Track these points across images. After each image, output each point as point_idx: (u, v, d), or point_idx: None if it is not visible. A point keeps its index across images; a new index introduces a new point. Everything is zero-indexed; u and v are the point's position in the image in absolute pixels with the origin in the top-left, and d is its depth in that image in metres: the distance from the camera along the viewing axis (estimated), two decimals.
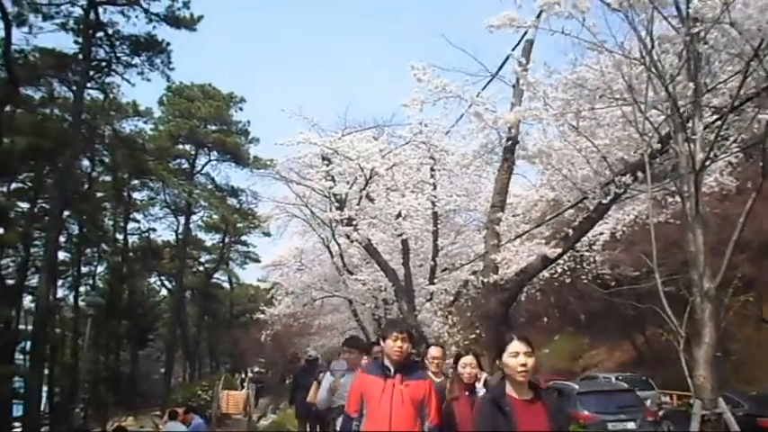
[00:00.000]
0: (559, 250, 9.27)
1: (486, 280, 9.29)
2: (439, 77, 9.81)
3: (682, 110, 5.55)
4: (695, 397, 4.88)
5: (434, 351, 5.46)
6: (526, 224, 11.98)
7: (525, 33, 9.54)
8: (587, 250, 14.63)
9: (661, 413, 13.71)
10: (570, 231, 9.23)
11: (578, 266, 15.66)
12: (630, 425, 11.34)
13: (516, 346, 3.20)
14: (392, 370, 4.18)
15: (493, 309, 9.23)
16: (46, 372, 28.34)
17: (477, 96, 9.69)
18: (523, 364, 3.14)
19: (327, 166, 13.80)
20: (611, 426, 11.19)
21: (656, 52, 5.73)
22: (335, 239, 16.61)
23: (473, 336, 16.76)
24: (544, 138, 9.93)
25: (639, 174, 7.62)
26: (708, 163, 5.33)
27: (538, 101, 8.55)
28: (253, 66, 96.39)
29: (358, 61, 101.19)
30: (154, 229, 42.87)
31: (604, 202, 8.37)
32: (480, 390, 4.74)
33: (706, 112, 6.03)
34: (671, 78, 5.80)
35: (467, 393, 4.51)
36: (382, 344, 4.36)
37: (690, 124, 5.40)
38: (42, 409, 27.96)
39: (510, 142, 9.84)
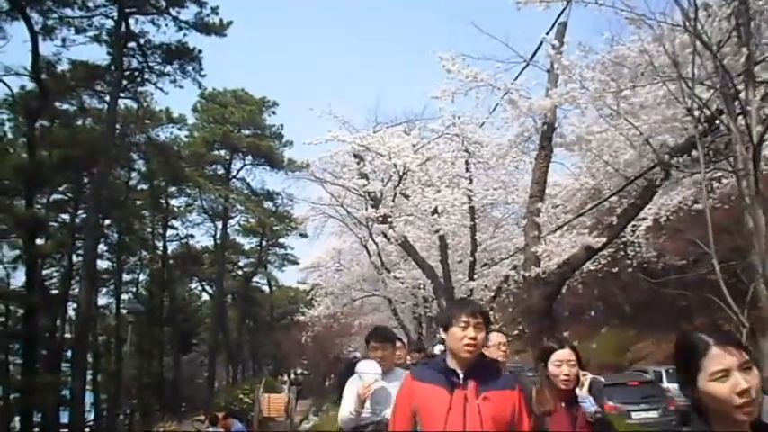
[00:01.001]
0: (604, 240, 8.91)
1: (527, 274, 8.98)
2: (469, 67, 9.62)
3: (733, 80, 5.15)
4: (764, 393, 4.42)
5: (497, 337, 4.23)
6: (567, 214, 11.50)
7: (559, 16, 9.24)
8: (631, 236, 14.06)
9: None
10: (614, 219, 8.84)
11: (622, 256, 15.13)
12: (653, 413, 11.91)
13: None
14: (461, 375, 2.66)
15: (536, 303, 8.92)
16: (90, 378, 28.80)
17: (511, 84, 9.41)
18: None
19: (359, 163, 13.65)
20: (635, 415, 11.67)
21: (700, 19, 5.30)
22: (372, 238, 16.38)
23: (516, 332, 16.47)
24: (582, 123, 9.65)
25: (685, 156, 7.24)
26: (767, 136, 4.88)
27: (574, 84, 8.23)
28: (283, 69, 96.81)
29: (387, 56, 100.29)
30: (192, 236, 43.34)
31: (651, 187, 7.98)
32: (584, 399, 3.10)
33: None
34: (718, 46, 5.39)
35: (563, 405, 3.10)
36: (442, 334, 2.87)
37: (742, 96, 4.97)
38: (88, 416, 28.48)
39: (547, 129, 9.50)
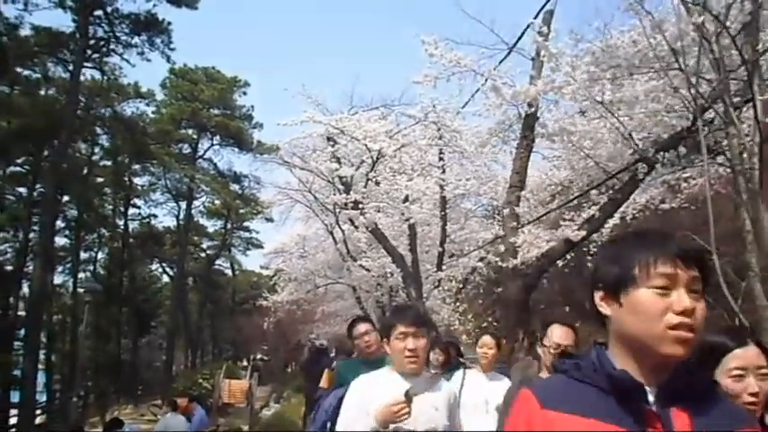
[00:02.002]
0: (583, 233, 8.78)
1: (504, 264, 8.82)
2: (453, 51, 9.38)
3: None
4: None
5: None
6: (544, 206, 11.35)
7: (546, 2, 9.05)
8: (596, 235, 13.96)
9: None
10: (596, 213, 8.71)
11: (584, 252, 15.11)
12: None
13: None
14: (651, 394, 1.26)
15: (513, 294, 8.78)
16: (43, 359, 27.91)
17: (494, 70, 9.21)
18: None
19: (333, 146, 13.28)
20: None
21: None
22: (339, 225, 15.98)
23: (485, 324, 16.32)
24: (565, 114, 9.51)
25: (671, 152, 7.08)
26: None
27: (560, 73, 8.00)
28: (255, 49, 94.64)
29: (365, 38, 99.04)
30: (155, 215, 42.23)
31: (633, 181, 7.84)
32: None
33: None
34: (718, 36, 5.14)
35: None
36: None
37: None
38: (40, 396, 27.64)
39: (529, 118, 9.34)
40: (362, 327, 4.20)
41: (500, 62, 9.78)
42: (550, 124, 9.39)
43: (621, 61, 6.60)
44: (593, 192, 9.48)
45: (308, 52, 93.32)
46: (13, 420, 22.71)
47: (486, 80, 9.49)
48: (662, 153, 7.14)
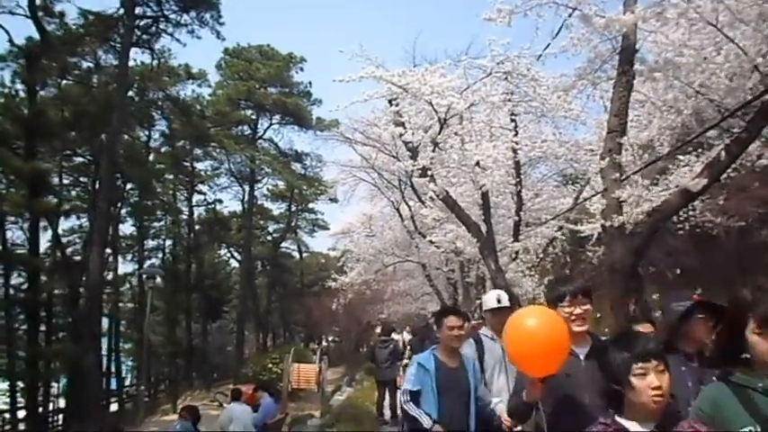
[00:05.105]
0: (705, 181, 7.08)
1: (608, 223, 7.29)
2: None
3: None
4: None
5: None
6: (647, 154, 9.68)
7: None
8: None
9: None
10: (723, 155, 7.00)
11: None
12: None
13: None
14: None
15: (619, 259, 7.20)
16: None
17: None
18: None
19: (397, 105, 11.89)
20: None
21: None
22: (405, 201, 16.19)
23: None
24: (670, 44, 7.80)
25: None
26: None
27: None
28: (310, 24, 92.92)
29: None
30: (220, 200, 41.95)
31: (764, 113, 6.26)
32: None
33: None
34: None
35: None
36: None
37: None
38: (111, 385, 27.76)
39: (627, 50, 7.71)
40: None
41: None
42: (650, 58, 7.81)
43: None
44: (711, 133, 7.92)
45: (365, 18, 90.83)
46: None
47: (572, 11, 7.92)
48: None
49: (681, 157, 9.45)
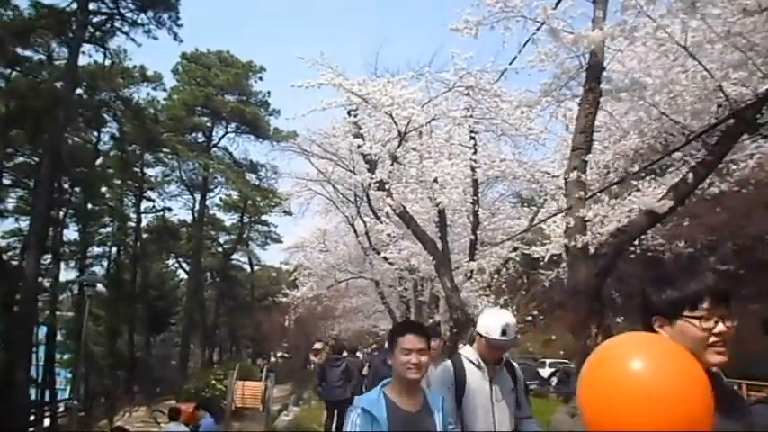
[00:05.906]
0: (671, 203, 6.93)
1: (572, 243, 7.01)
2: None
3: None
4: None
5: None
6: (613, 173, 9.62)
7: None
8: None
9: None
10: (690, 177, 6.89)
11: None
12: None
13: None
14: None
15: (584, 280, 6.92)
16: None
17: (552, 10, 7.41)
18: None
19: (356, 116, 11.64)
20: None
21: None
22: (361, 217, 16.09)
23: (529, 318, 16.31)
24: (637, 64, 7.75)
25: None
26: None
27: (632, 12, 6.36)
28: (270, 33, 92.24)
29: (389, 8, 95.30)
30: (169, 209, 41.03)
31: (731, 135, 6.21)
32: None
33: None
34: None
35: None
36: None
37: None
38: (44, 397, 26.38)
39: (594, 68, 7.53)
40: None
41: (557, 2, 7.96)
42: (615, 78, 7.69)
43: None
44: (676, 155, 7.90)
45: (325, 23, 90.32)
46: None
47: (540, 25, 7.73)
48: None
49: (640, 181, 9.35)
